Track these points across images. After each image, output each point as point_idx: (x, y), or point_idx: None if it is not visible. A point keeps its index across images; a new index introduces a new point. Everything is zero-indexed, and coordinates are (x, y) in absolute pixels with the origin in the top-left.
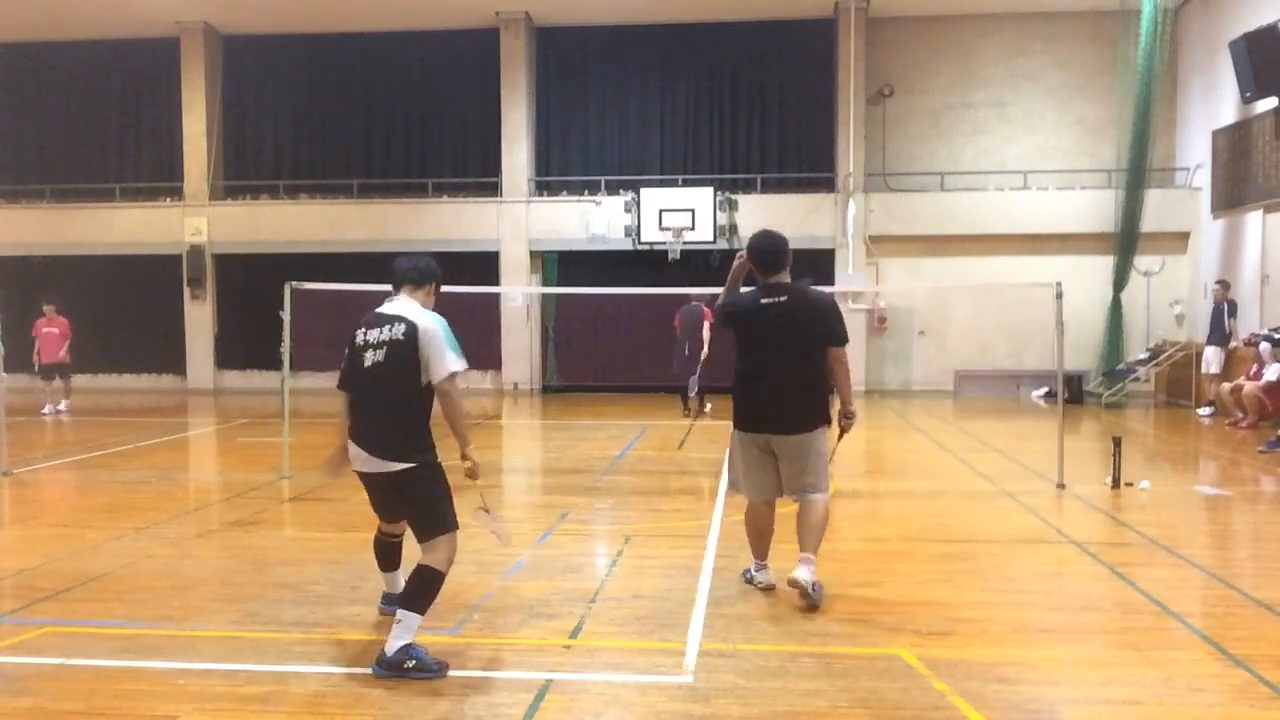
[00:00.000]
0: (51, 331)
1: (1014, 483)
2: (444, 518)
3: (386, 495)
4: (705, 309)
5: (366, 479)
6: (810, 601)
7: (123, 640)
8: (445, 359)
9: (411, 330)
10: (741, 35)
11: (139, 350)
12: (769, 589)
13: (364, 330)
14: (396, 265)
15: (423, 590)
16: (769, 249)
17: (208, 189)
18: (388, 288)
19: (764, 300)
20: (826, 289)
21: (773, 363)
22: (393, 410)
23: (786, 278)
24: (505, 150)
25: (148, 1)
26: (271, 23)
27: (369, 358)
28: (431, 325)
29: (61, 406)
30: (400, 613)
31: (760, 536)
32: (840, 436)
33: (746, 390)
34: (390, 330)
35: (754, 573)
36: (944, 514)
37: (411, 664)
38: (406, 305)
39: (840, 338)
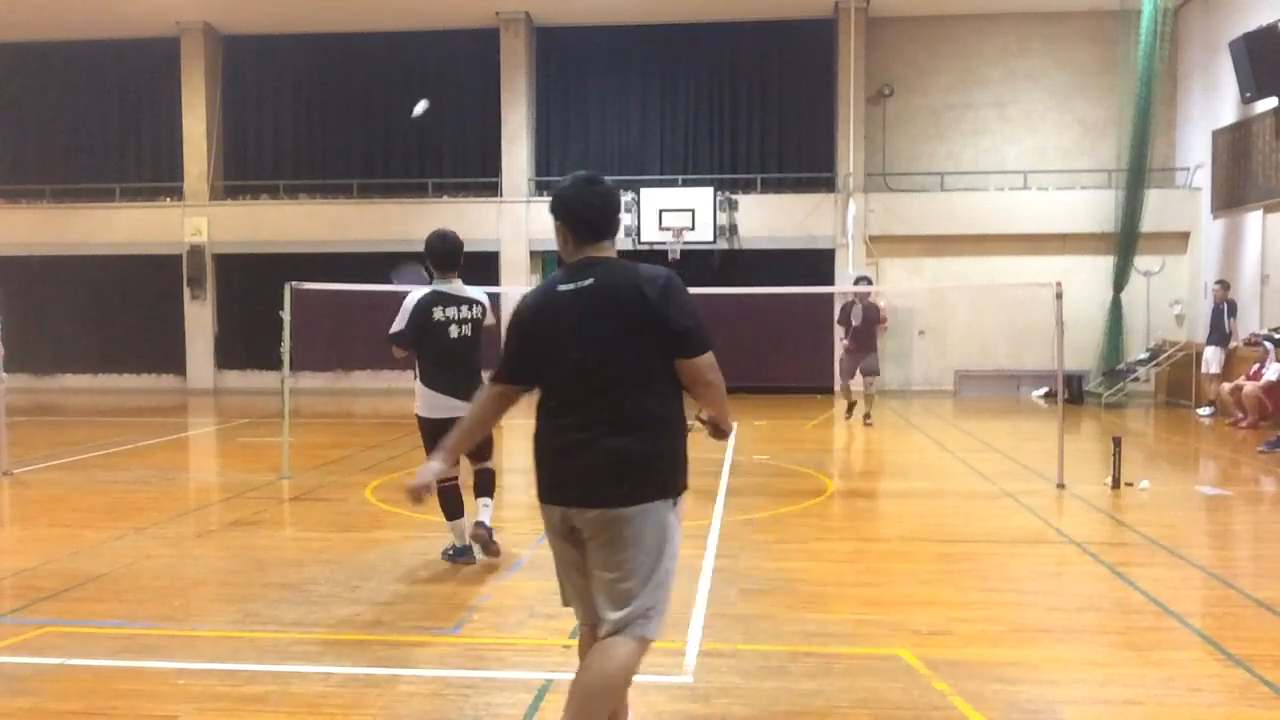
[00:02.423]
0: None
1: (1014, 483)
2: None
3: None
4: None
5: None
6: None
7: (123, 640)
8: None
9: (483, 308)
10: (741, 35)
11: (139, 350)
12: None
13: (441, 308)
14: (446, 246)
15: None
16: (585, 199)
17: (208, 189)
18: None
19: (562, 286)
20: (826, 289)
21: (572, 387)
22: (475, 371)
23: (611, 251)
24: (505, 150)
25: (148, 1)
26: (271, 23)
27: (454, 331)
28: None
29: None
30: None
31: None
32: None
33: (541, 435)
34: (471, 310)
35: None
36: (944, 514)
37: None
38: (464, 287)
39: (693, 341)
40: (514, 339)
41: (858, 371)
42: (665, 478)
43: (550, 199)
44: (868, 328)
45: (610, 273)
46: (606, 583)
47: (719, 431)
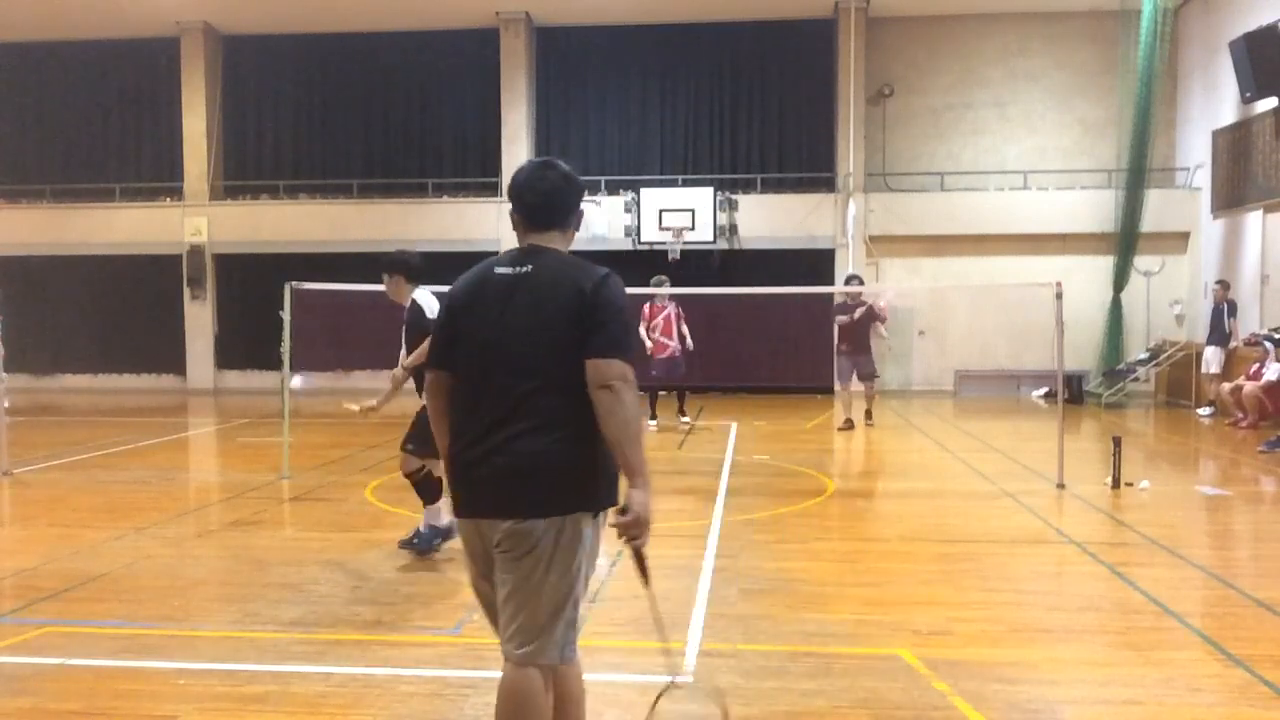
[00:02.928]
0: None
1: (1014, 483)
2: None
3: None
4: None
5: None
6: None
7: (123, 640)
8: None
9: None
10: (741, 35)
11: (139, 350)
12: None
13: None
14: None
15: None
16: (532, 184)
17: (208, 189)
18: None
19: (500, 269)
20: (826, 289)
21: (499, 380)
22: None
23: (560, 243)
24: (505, 150)
25: (148, 1)
26: (271, 23)
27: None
28: None
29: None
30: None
31: None
32: (641, 572)
33: (455, 440)
34: None
35: None
36: (944, 514)
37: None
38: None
39: (608, 342)
40: (443, 320)
41: (854, 376)
42: (587, 486)
43: None
44: (861, 328)
45: (551, 263)
46: (512, 606)
47: (626, 516)
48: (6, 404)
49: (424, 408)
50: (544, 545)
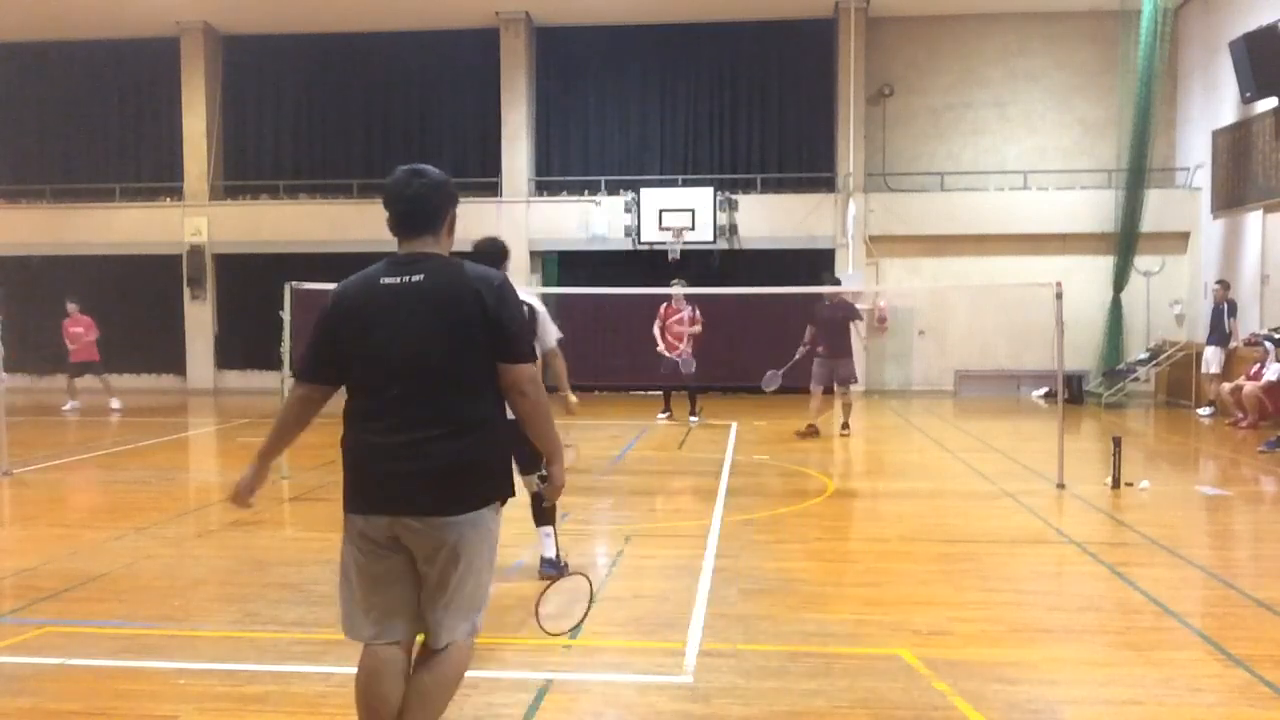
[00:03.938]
0: (76, 330)
1: (1014, 483)
2: None
3: None
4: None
5: None
6: None
7: (123, 640)
8: None
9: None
10: (741, 35)
11: (139, 350)
12: None
13: None
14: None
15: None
16: (407, 194)
17: (208, 189)
18: None
19: (386, 279)
20: (827, 290)
21: (403, 386)
22: None
23: (436, 248)
24: (505, 150)
25: (148, 1)
26: (271, 23)
27: None
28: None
29: (114, 404)
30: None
31: (368, 716)
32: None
33: (356, 440)
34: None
35: None
36: (944, 514)
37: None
38: None
39: (516, 347)
40: (323, 332)
41: (831, 380)
42: (494, 483)
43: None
44: (840, 330)
45: (442, 271)
46: (441, 595)
47: (551, 485)
48: None
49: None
50: (465, 538)
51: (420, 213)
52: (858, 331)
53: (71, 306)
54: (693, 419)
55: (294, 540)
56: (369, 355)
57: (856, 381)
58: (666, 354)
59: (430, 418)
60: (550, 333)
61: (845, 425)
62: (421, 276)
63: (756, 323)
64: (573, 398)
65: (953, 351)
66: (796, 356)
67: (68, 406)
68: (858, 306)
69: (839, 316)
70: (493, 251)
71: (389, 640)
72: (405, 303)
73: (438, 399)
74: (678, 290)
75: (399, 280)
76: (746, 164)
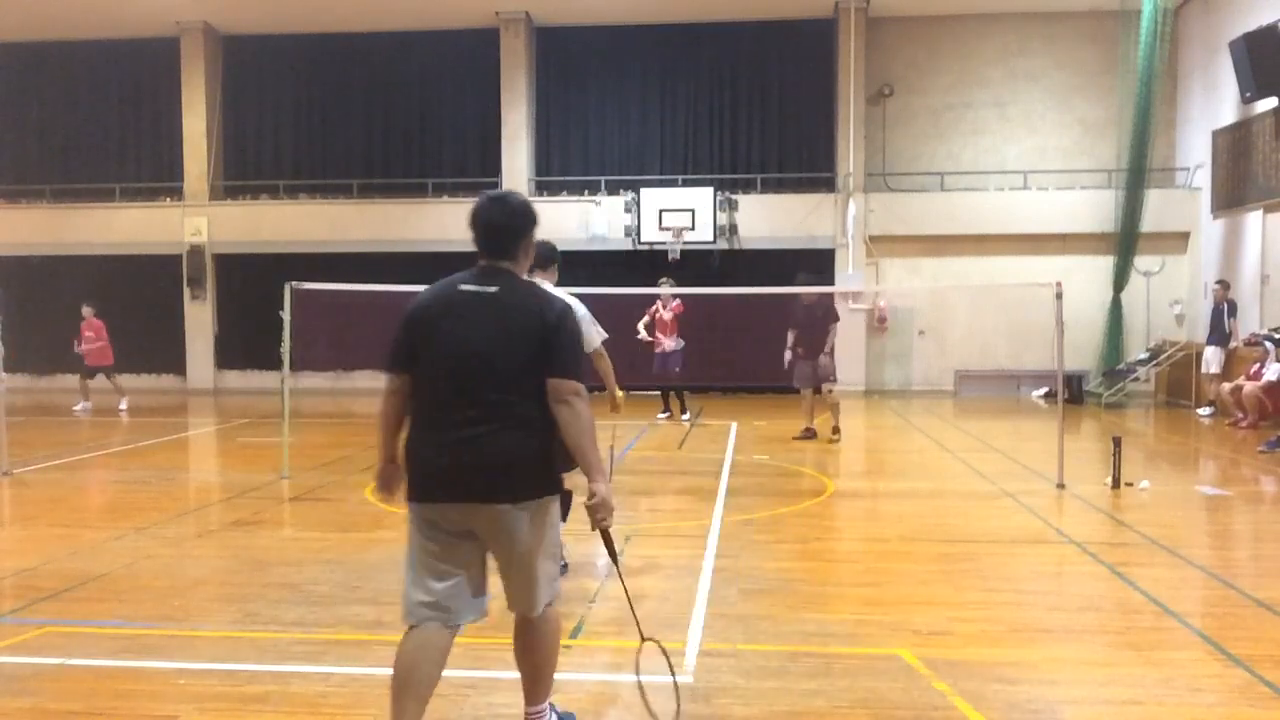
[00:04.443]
0: (88, 334)
1: (1014, 483)
2: None
3: None
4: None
5: None
6: None
7: (123, 640)
8: None
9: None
10: (741, 35)
11: (139, 350)
12: None
13: None
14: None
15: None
16: (485, 218)
17: (208, 189)
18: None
19: (464, 286)
20: (827, 289)
21: (469, 385)
22: None
23: (513, 266)
24: (505, 150)
25: (148, 1)
26: (271, 23)
27: None
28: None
29: (122, 405)
30: None
31: (406, 694)
32: (610, 551)
33: (427, 434)
34: None
35: None
36: (944, 514)
37: None
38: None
39: (566, 363)
40: (407, 329)
41: (816, 380)
42: (551, 474)
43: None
44: (816, 329)
45: (515, 288)
46: (520, 573)
47: (594, 501)
48: None
49: None
50: (532, 523)
51: (498, 237)
52: (831, 334)
53: (86, 310)
54: (684, 418)
55: (294, 540)
56: (440, 354)
57: (836, 380)
58: (655, 350)
59: (493, 414)
60: (593, 335)
61: (835, 430)
62: (496, 289)
63: (756, 323)
64: (619, 393)
65: (953, 351)
66: (787, 360)
67: (79, 407)
68: (858, 307)
69: (816, 315)
70: (542, 254)
71: (442, 624)
72: (478, 309)
73: (495, 398)
74: (666, 290)
75: (476, 289)
76: (746, 164)
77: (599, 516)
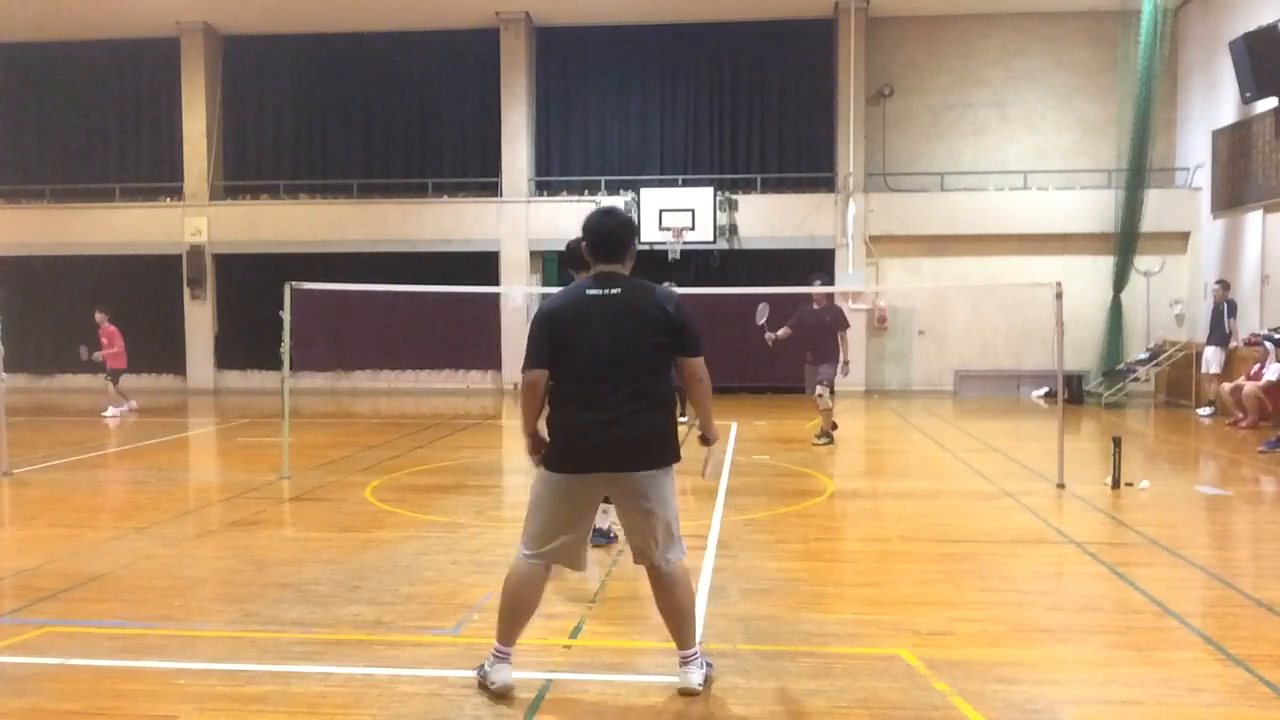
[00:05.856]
0: (104, 341)
1: (1014, 483)
2: None
3: None
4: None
5: None
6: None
7: (123, 640)
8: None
9: None
10: (741, 35)
11: (139, 350)
12: (504, 693)
13: None
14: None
15: None
16: (604, 229)
17: (208, 189)
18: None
19: (591, 291)
20: (827, 289)
21: (611, 373)
22: None
23: (623, 269)
24: (505, 150)
25: (148, 1)
26: (271, 23)
27: None
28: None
29: (129, 406)
30: None
31: (518, 614)
32: (706, 458)
33: (575, 416)
34: None
35: (488, 669)
36: (944, 514)
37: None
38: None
39: (695, 344)
40: (543, 331)
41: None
42: (675, 446)
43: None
44: (826, 335)
45: (633, 288)
46: (654, 529)
47: (704, 439)
48: None
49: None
50: (661, 486)
51: (611, 245)
52: (844, 342)
53: (100, 316)
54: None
55: (294, 540)
56: (581, 351)
57: (832, 390)
58: None
59: (630, 396)
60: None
61: (821, 434)
62: (618, 291)
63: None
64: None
65: (952, 351)
66: (777, 336)
67: (125, 408)
68: (858, 307)
69: (826, 321)
70: (578, 255)
71: (549, 560)
72: (607, 310)
73: (635, 382)
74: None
75: (601, 292)
76: (746, 164)
77: (714, 440)
